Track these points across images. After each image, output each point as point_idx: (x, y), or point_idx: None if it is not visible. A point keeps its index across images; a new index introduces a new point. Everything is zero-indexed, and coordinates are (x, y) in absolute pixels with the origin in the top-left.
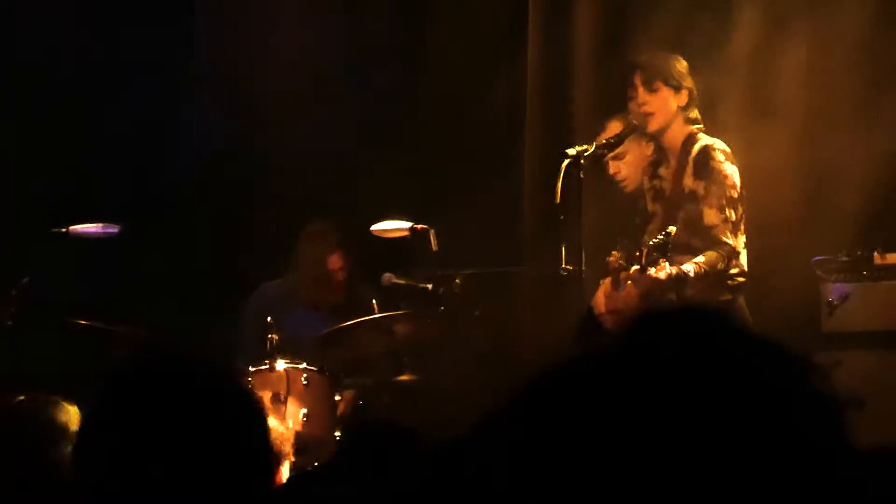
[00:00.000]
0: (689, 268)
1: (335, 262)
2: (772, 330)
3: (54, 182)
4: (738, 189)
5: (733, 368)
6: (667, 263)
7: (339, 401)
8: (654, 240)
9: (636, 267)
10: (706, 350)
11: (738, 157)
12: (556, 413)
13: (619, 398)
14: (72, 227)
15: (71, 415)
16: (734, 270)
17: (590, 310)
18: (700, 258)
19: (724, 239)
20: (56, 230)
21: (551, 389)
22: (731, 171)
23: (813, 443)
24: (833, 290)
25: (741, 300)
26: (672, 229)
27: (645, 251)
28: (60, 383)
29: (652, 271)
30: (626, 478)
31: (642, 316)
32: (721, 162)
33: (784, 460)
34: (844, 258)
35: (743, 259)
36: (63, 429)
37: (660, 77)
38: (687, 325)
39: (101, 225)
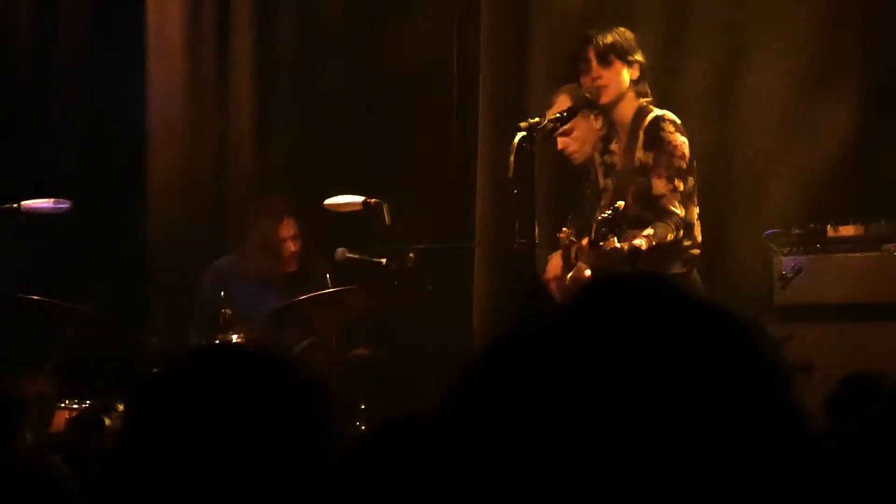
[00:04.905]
0: (641, 242)
1: (286, 229)
2: (725, 303)
3: (3, 158)
4: (688, 160)
5: (678, 332)
6: (615, 239)
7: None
8: (603, 215)
9: (585, 240)
10: (652, 315)
11: (689, 130)
12: (505, 386)
13: (566, 367)
14: (23, 203)
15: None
16: (687, 243)
17: (534, 279)
18: (649, 231)
19: (672, 208)
20: (6, 206)
21: (498, 362)
22: (681, 142)
23: (757, 406)
24: (786, 264)
25: (695, 273)
26: (620, 204)
27: (594, 227)
28: (12, 358)
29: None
30: (571, 447)
31: (590, 285)
32: (671, 133)
33: (726, 424)
34: (797, 231)
35: (697, 231)
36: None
37: (613, 51)
38: (633, 292)
39: (52, 201)
